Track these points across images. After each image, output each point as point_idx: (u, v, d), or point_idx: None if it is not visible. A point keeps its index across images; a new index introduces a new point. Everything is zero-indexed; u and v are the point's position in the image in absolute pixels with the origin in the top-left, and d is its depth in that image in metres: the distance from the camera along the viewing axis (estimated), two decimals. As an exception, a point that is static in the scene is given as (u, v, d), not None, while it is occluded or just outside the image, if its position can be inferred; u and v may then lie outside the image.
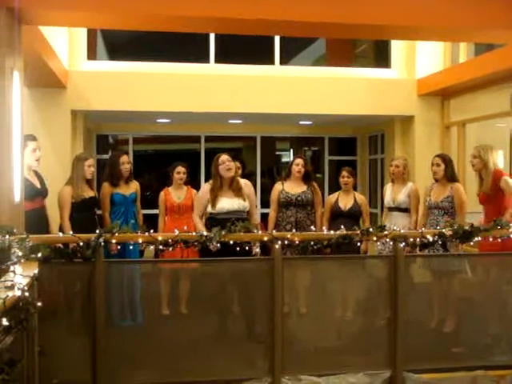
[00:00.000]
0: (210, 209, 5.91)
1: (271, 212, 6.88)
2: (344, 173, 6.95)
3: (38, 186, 5.88)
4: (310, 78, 9.62)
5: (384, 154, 11.17)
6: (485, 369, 4.95)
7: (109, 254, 4.96)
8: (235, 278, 4.95)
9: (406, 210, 6.79)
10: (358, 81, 9.72)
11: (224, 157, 5.97)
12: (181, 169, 6.93)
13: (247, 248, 4.65)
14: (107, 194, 6.51)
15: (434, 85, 9.47)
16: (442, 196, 6.32)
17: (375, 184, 11.62)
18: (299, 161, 6.89)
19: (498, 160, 6.19)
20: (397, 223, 6.44)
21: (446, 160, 6.48)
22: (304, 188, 6.77)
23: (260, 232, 4.77)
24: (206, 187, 6.07)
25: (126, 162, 6.63)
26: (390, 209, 6.83)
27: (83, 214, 6.16)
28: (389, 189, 6.93)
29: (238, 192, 5.95)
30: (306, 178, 6.86)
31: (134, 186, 6.74)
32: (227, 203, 5.87)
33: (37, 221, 5.62)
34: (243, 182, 6.13)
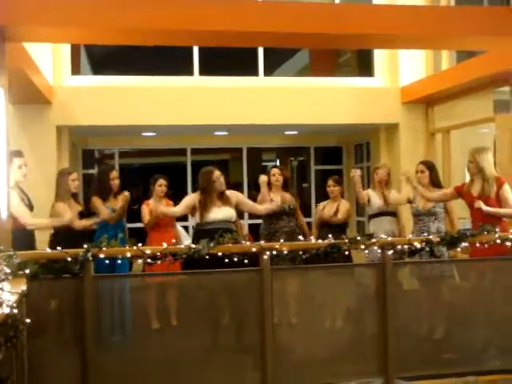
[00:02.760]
0: (197, 219, 5.97)
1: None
2: (330, 181, 6.99)
3: (26, 201, 5.85)
4: (295, 88, 9.66)
5: (370, 162, 11.22)
6: (476, 374, 4.97)
7: (98, 266, 4.94)
8: (224, 290, 4.95)
9: (395, 215, 6.85)
10: (342, 90, 9.77)
11: (217, 172, 6.05)
12: (162, 181, 6.95)
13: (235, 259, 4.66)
14: (100, 202, 6.47)
15: (418, 92, 9.54)
16: (431, 202, 6.31)
17: (362, 192, 11.65)
18: (275, 170, 6.88)
19: (491, 162, 6.09)
20: (388, 228, 6.54)
21: (430, 166, 6.52)
22: (289, 195, 6.79)
23: (248, 243, 4.78)
24: (194, 197, 6.11)
25: (115, 178, 6.64)
26: (381, 214, 6.84)
27: (71, 229, 6.12)
28: (373, 195, 6.94)
29: (225, 201, 6.03)
30: (286, 187, 6.87)
31: (122, 198, 6.71)
32: (216, 212, 5.91)
33: (26, 238, 5.59)
34: (228, 192, 6.19)
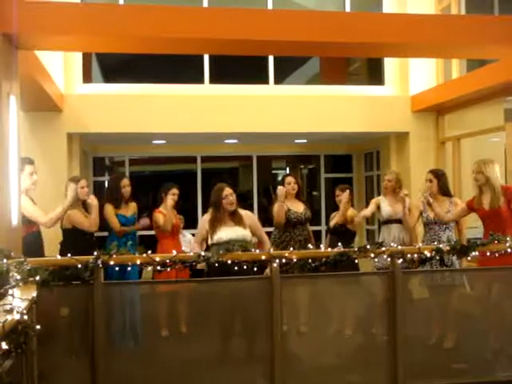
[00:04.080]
0: (209, 241, 5.69)
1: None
2: (337, 191, 6.93)
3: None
4: (305, 96, 9.68)
5: (380, 170, 11.19)
6: (486, 384, 4.95)
7: (107, 273, 4.95)
8: (234, 298, 4.94)
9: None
10: (353, 98, 9.78)
11: (228, 190, 5.77)
12: (175, 191, 6.82)
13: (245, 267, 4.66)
14: (112, 213, 6.49)
15: (428, 101, 9.53)
16: (443, 211, 6.28)
17: (372, 201, 11.62)
18: (290, 179, 6.84)
19: (498, 173, 6.10)
20: (397, 235, 6.52)
21: (438, 175, 6.51)
22: (302, 204, 6.78)
23: (258, 251, 4.78)
24: (205, 217, 5.88)
25: (126, 185, 6.65)
26: (390, 221, 6.80)
27: (81, 237, 6.14)
28: (384, 201, 6.91)
29: (238, 221, 5.75)
30: (298, 195, 6.87)
31: (132, 207, 6.73)
32: (226, 232, 5.63)
33: (35, 243, 5.64)
34: (243, 212, 5.91)
